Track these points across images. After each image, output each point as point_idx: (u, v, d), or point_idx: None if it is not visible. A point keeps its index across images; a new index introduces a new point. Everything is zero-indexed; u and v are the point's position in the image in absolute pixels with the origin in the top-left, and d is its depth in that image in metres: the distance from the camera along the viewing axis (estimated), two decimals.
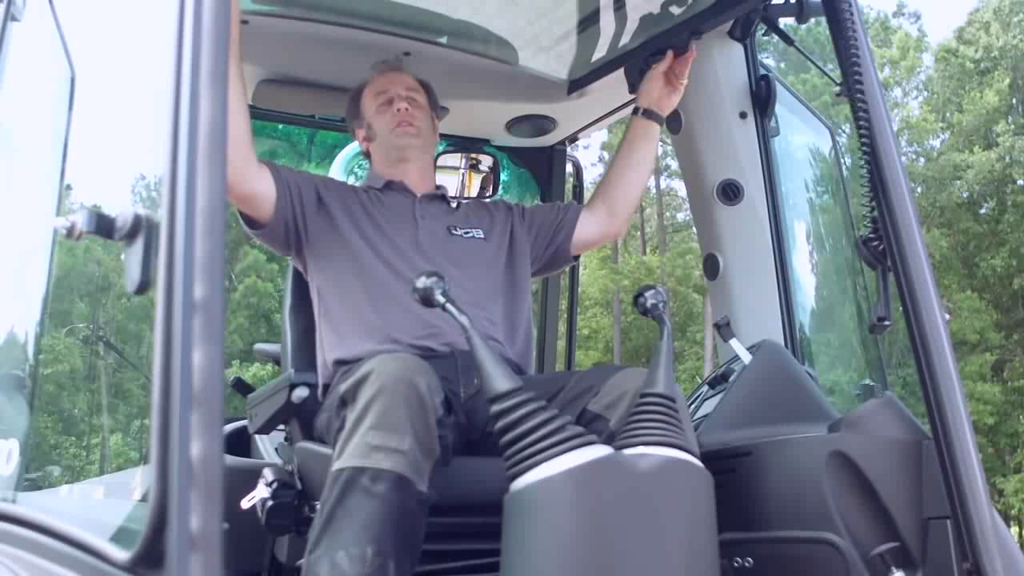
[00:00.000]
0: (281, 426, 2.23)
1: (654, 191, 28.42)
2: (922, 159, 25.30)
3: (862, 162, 1.75)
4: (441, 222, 2.37)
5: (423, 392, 1.64)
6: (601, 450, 1.52)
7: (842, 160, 3.37)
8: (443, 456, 1.70)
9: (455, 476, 1.75)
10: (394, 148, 2.42)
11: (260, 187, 2.20)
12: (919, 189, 23.58)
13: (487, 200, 2.65)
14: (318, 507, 1.66)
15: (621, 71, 2.88)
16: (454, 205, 2.50)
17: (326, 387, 2.17)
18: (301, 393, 1.90)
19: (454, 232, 2.37)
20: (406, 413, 1.62)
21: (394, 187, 2.41)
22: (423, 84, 2.54)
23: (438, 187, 2.53)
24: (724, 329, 2.45)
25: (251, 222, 2.25)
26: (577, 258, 2.68)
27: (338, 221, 2.29)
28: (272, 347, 3.22)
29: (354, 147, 3.86)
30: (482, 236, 2.41)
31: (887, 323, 1.78)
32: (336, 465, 1.63)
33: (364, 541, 1.54)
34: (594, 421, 1.83)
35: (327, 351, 2.21)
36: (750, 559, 1.87)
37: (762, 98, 2.85)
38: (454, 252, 2.31)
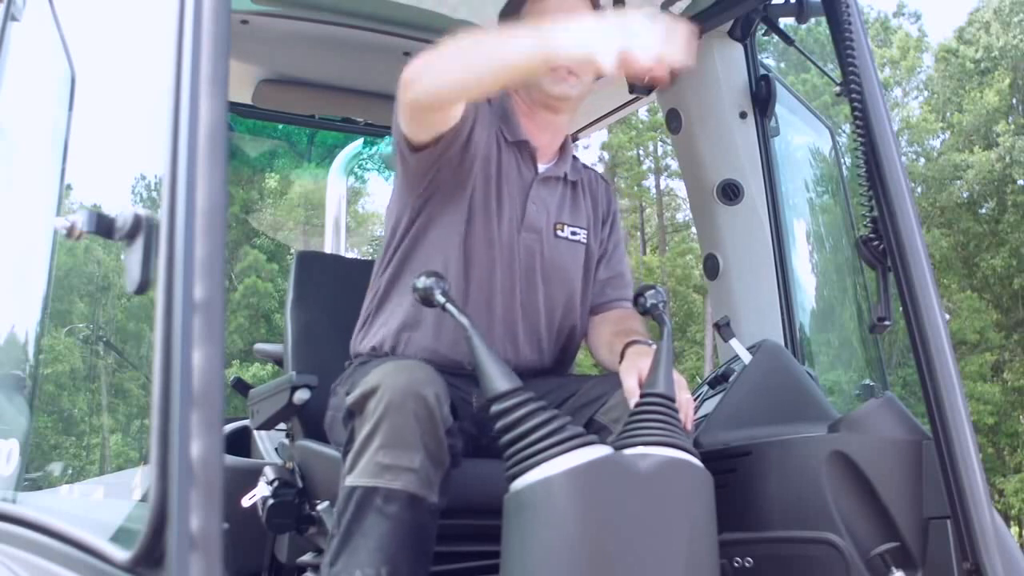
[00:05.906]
0: (282, 424, 2.22)
1: (654, 191, 28.43)
2: (922, 159, 25.29)
3: (861, 162, 1.75)
4: (550, 214, 2.10)
5: (432, 404, 1.63)
6: (601, 450, 1.52)
7: (842, 160, 3.37)
8: (452, 462, 1.70)
9: (462, 479, 1.75)
10: (546, 95, 2.06)
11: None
12: (919, 189, 23.57)
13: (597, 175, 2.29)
14: (334, 518, 1.68)
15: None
16: (571, 181, 2.18)
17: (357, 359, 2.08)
18: (303, 396, 1.90)
19: (559, 234, 2.11)
20: (416, 429, 1.62)
21: (523, 150, 2.10)
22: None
23: (562, 149, 2.18)
24: (724, 329, 2.44)
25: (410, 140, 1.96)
26: None
27: (466, 174, 2.01)
28: (272, 347, 3.22)
29: (354, 147, 3.87)
30: (584, 240, 2.16)
31: (887, 323, 1.78)
32: (349, 481, 1.64)
33: (378, 561, 1.58)
34: (602, 431, 1.81)
35: (377, 320, 2.06)
36: (750, 559, 1.87)
37: (762, 98, 2.85)
38: (548, 267, 2.08)
